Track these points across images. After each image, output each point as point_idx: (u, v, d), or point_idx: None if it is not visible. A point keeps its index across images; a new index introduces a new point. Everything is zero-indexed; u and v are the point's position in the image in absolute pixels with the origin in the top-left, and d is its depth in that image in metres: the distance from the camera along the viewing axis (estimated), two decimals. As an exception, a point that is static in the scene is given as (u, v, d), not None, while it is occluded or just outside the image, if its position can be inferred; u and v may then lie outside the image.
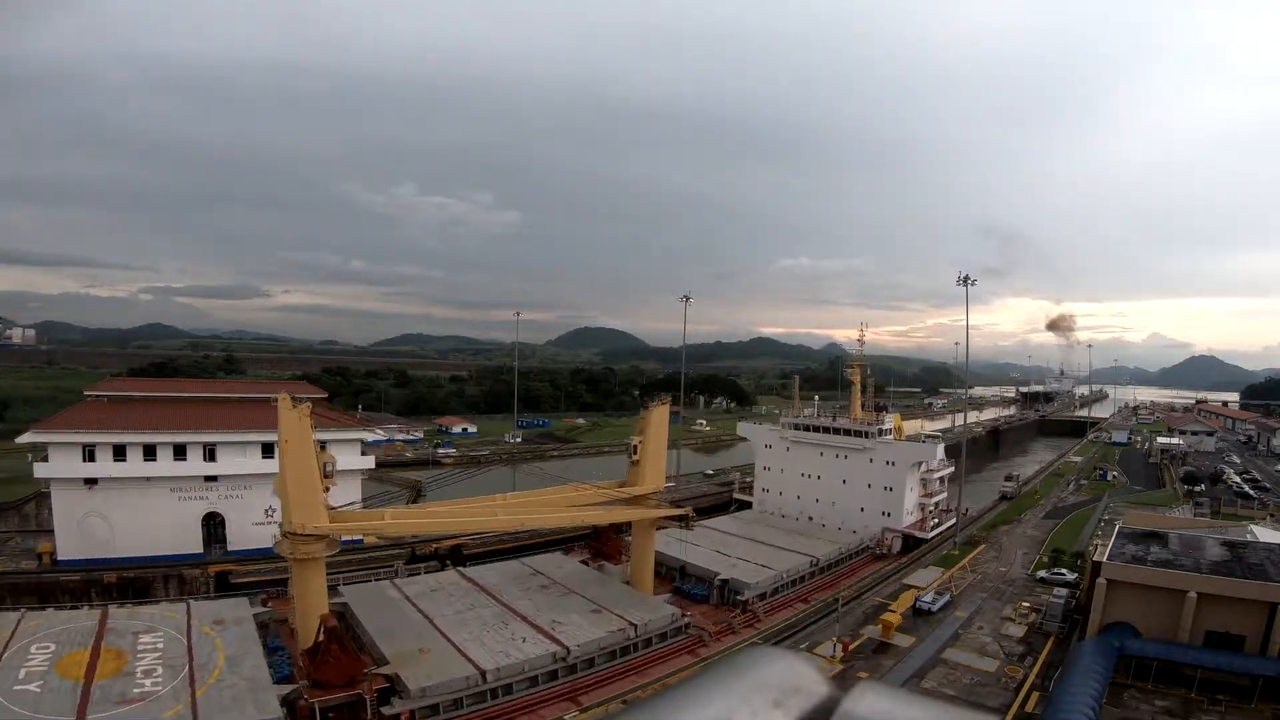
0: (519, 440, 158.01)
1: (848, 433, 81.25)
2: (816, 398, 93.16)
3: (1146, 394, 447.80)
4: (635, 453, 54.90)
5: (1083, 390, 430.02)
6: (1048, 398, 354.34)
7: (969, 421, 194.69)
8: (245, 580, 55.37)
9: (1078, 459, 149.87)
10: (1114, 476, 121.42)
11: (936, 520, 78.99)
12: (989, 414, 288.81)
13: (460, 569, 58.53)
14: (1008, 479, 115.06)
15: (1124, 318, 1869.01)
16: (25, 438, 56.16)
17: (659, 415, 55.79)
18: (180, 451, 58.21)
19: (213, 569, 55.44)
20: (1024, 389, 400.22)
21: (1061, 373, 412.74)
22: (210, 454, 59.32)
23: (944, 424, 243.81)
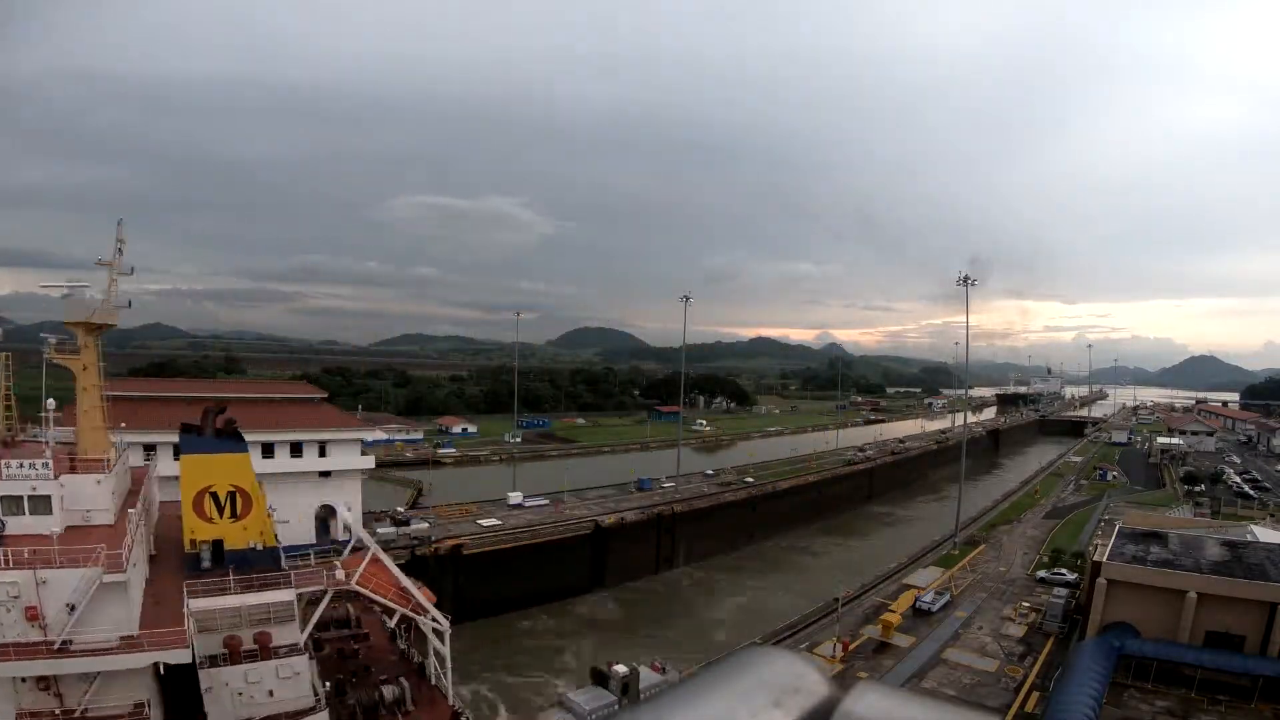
0: (519, 440, 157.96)
1: None
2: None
3: (1147, 394, 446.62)
4: None
5: (1074, 391, 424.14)
6: (1027, 400, 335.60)
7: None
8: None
9: (1078, 459, 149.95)
10: (1114, 476, 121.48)
11: None
12: (946, 423, 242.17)
13: None
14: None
15: (1109, 318, 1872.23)
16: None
17: None
18: (180, 452, 58.08)
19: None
20: (1000, 390, 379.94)
21: (1049, 371, 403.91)
22: (210, 454, 59.14)
23: (944, 423, 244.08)
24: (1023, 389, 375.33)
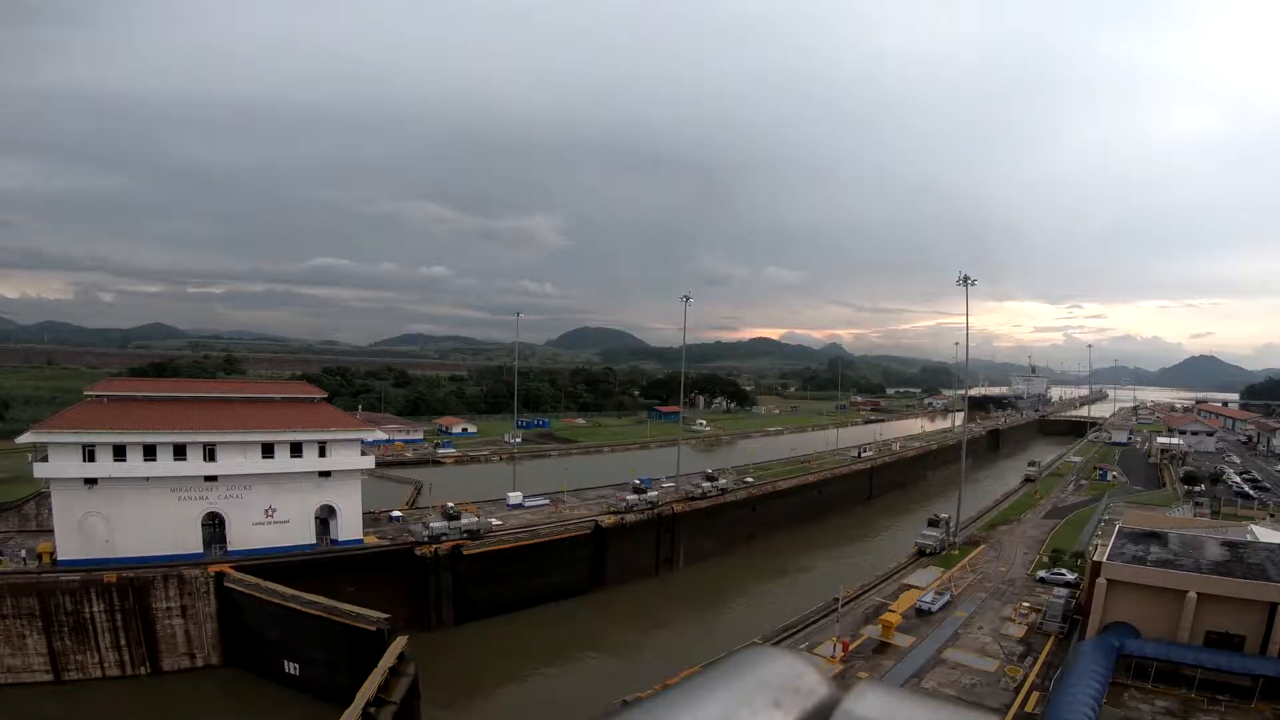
0: (519, 440, 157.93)
1: None
2: None
3: (1146, 394, 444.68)
4: None
5: (1062, 392, 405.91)
6: (1000, 403, 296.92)
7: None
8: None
9: (1077, 459, 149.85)
10: (1114, 476, 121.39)
11: None
12: (913, 424, 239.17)
13: None
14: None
15: (1102, 319, 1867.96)
16: (25, 438, 56.07)
17: None
18: (180, 451, 58.09)
19: (213, 569, 55.44)
20: (969, 391, 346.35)
21: (1033, 370, 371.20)
22: (210, 454, 59.21)
23: (945, 424, 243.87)
24: (1002, 390, 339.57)
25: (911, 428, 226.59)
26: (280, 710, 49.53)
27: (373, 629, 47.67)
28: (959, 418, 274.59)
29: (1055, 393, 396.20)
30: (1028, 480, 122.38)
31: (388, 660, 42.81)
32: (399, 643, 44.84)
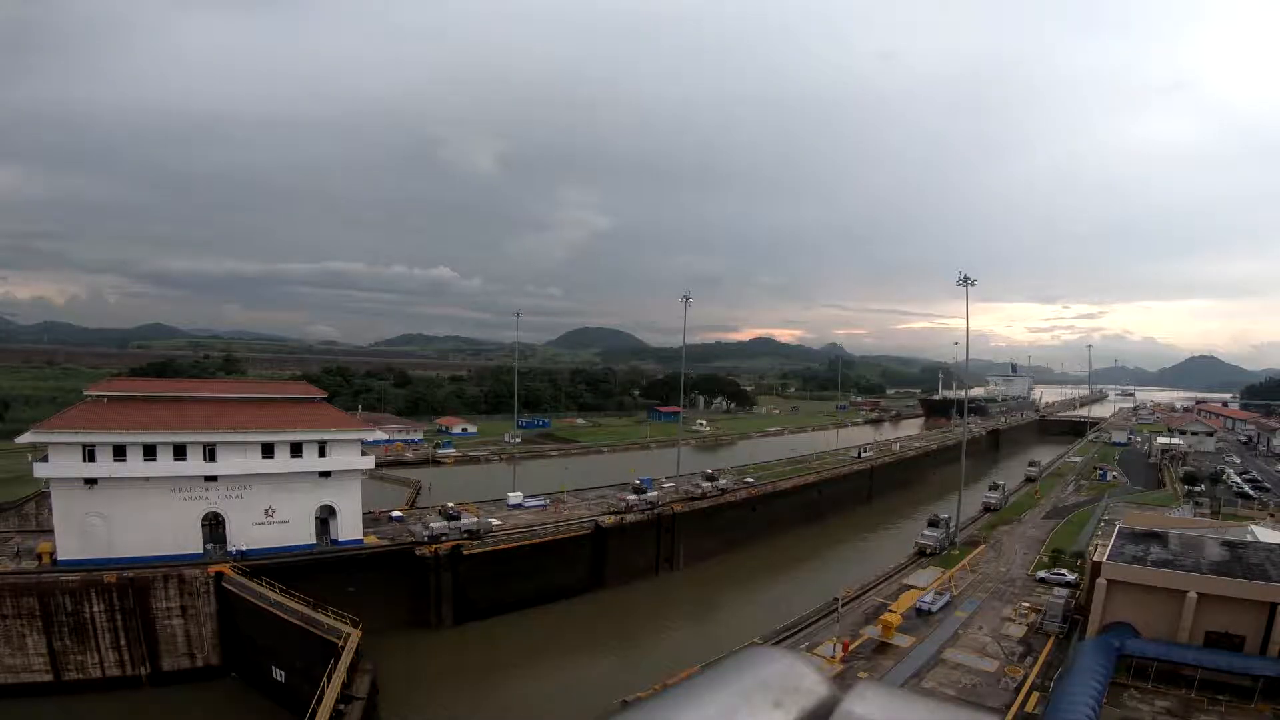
0: (519, 440, 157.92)
1: None
2: None
3: (1145, 395, 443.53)
4: None
5: (1050, 395, 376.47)
6: (964, 408, 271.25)
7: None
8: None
9: (1078, 459, 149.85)
10: (1114, 476, 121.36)
11: None
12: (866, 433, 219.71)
13: None
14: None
15: (1091, 319, 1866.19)
16: (25, 438, 56.02)
17: None
18: (180, 451, 58.05)
19: (213, 569, 55.41)
20: (928, 396, 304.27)
21: (1014, 369, 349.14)
22: (210, 454, 59.18)
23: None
24: (977, 391, 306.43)
25: (854, 437, 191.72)
26: (272, 714, 49.04)
27: (340, 644, 44.80)
28: (887, 430, 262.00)
29: (1041, 394, 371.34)
30: (1029, 480, 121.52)
31: (347, 657, 42.96)
32: (354, 638, 44.73)
